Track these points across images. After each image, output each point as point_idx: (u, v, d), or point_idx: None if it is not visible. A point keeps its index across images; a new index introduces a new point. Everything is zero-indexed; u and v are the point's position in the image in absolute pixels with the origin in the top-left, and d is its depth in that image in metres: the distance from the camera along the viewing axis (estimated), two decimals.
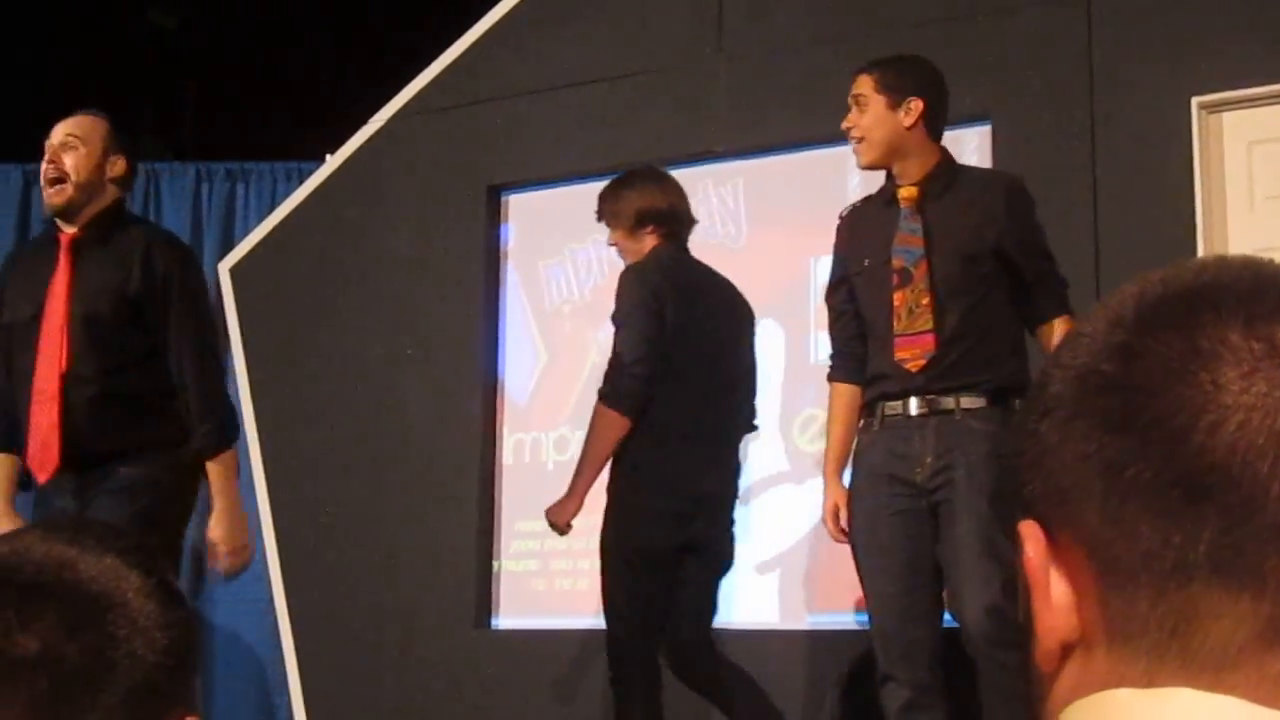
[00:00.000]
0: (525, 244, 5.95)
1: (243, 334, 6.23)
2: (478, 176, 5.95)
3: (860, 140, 3.98)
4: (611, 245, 4.60)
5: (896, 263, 3.88)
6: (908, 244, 3.89)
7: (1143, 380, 0.76)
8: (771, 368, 5.39)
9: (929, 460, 3.80)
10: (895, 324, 3.85)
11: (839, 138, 5.28)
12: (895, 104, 3.94)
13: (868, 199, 4.14)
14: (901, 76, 3.97)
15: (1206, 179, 4.68)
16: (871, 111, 3.95)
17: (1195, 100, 4.70)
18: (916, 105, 3.93)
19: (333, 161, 6.25)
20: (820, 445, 5.23)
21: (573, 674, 5.35)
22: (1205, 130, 4.72)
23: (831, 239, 5.36)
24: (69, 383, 4.08)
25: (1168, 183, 4.70)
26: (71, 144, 4.25)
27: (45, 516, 4.03)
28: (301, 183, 6.46)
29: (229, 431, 4.20)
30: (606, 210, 4.55)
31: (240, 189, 7.21)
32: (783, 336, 5.39)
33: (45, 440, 4.07)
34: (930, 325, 3.84)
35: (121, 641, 1.05)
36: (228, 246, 6.83)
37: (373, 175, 6.14)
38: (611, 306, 4.40)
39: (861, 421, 4.01)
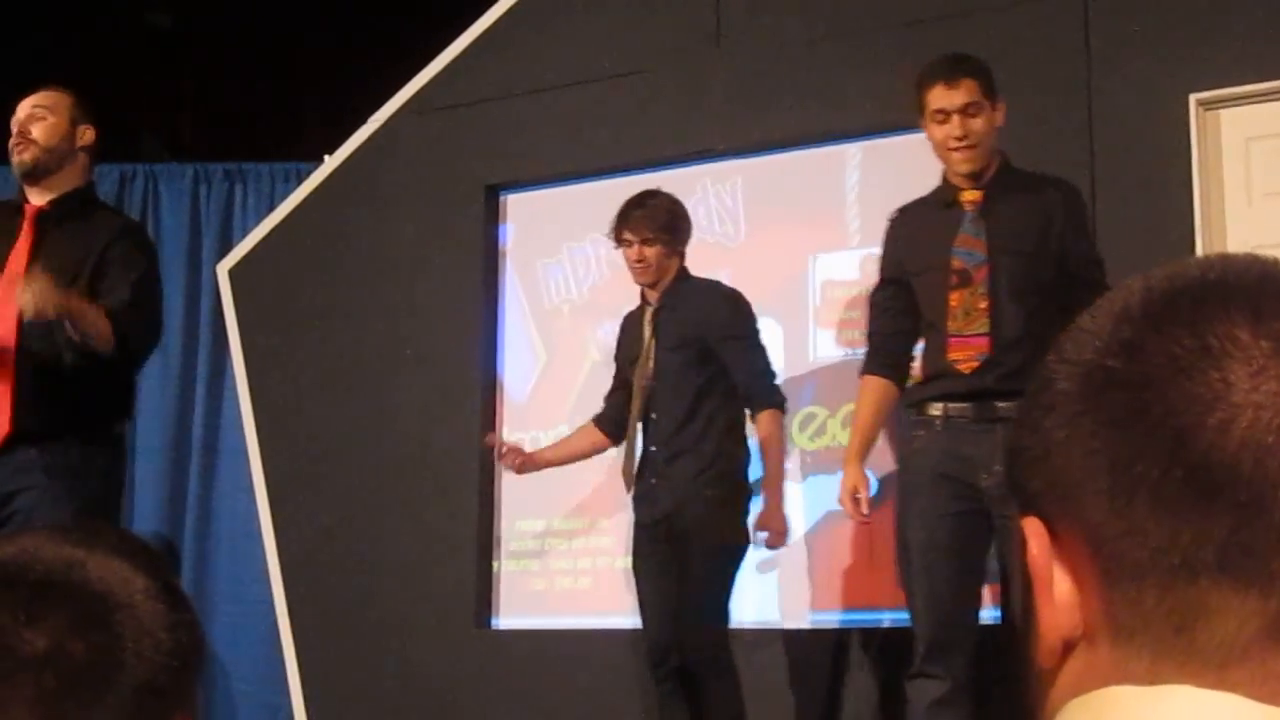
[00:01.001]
0: (524, 243, 5.95)
1: (242, 335, 6.23)
2: (476, 176, 5.95)
3: (974, 147, 3.94)
4: (639, 260, 4.62)
5: (956, 264, 3.89)
6: (969, 246, 3.90)
7: (1151, 377, 0.76)
8: None
9: (996, 468, 3.78)
10: (950, 324, 3.87)
11: (837, 135, 5.31)
12: (994, 107, 3.97)
13: (920, 201, 4.13)
14: (991, 78, 3.98)
15: (1204, 176, 4.68)
16: (984, 117, 3.94)
17: (1193, 97, 4.69)
18: (1002, 106, 3.99)
19: (331, 162, 6.24)
20: (819, 443, 5.25)
21: (573, 674, 5.35)
22: (1203, 127, 4.71)
23: (830, 236, 5.40)
24: (21, 354, 4.04)
25: (1166, 179, 4.69)
26: (39, 115, 4.28)
27: None
28: (300, 183, 6.46)
29: (125, 323, 4.07)
30: (669, 223, 4.65)
31: (239, 190, 7.20)
32: (781, 334, 5.38)
33: None
34: (986, 329, 3.85)
35: (128, 641, 1.06)
36: (226, 247, 6.83)
37: (371, 175, 6.13)
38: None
39: (915, 417, 4.00)
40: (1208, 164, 4.70)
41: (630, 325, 4.85)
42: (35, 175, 4.24)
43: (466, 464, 5.75)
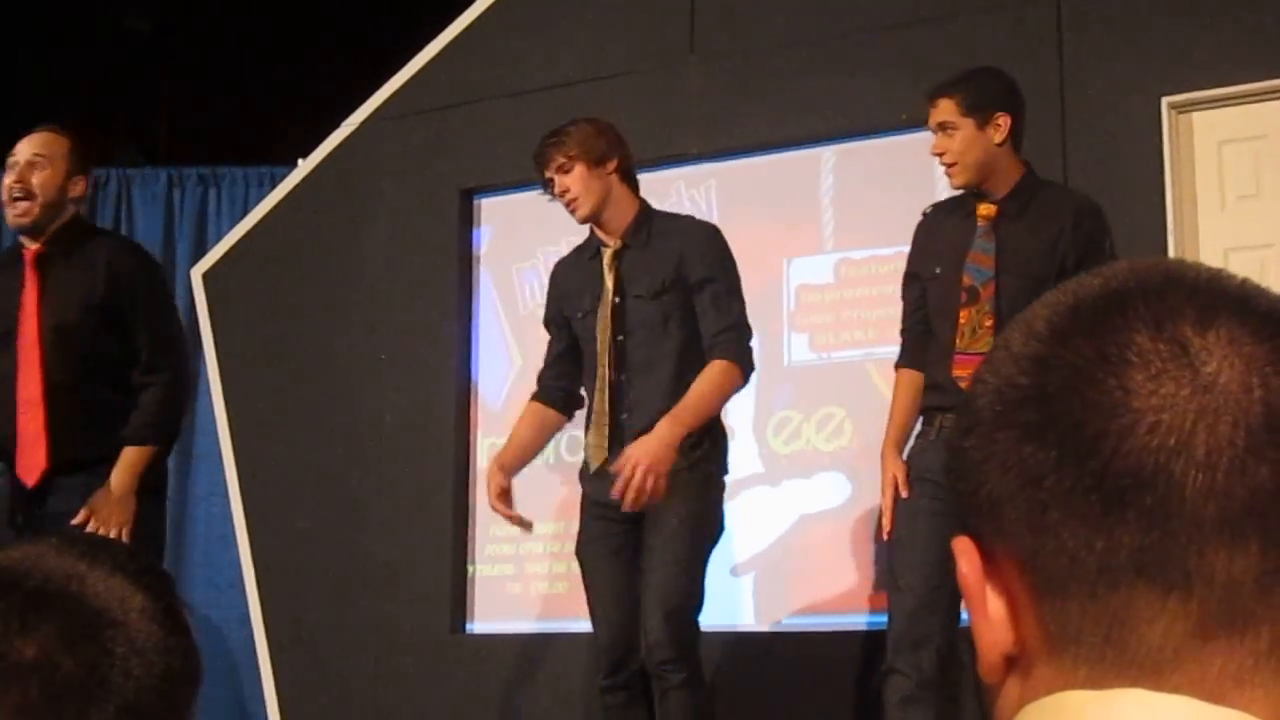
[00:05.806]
0: (499, 247, 5.94)
1: (215, 339, 6.21)
2: (451, 180, 5.94)
3: (953, 165, 3.97)
4: (564, 193, 4.14)
5: (966, 280, 3.94)
6: (979, 262, 3.95)
7: (1055, 390, 0.77)
8: None
9: None
10: (958, 340, 3.92)
11: (812, 139, 5.31)
12: (982, 123, 3.96)
13: (949, 202, 4.16)
14: (986, 93, 3.99)
15: (1177, 179, 4.70)
16: (962, 135, 3.96)
17: (1165, 100, 4.71)
18: (1004, 121, 3.98)
19: (305, 166, 6.23)
20: (793, 447, 5.25)
21: (549, 678, 5.34)
22: (1175, 130, 4.73)
23: (804, 240, 5.41)
24: (50, 390, 4.30)
25: (1138, 183, 4.71)
26: (38, 162, 4.41)
27: (37, 519, 4.28)
28: (274, 187, 6.44)
29: (164, 434, 4.38)
30: (583, 140, 4.16)
31: (213, 194, 7.20)
32: (755, 339, 5.37)
33: (33, 445, 4.29)
34: (989, 347, 3.88)
35: (118, 660, 1.05)
36: (200, 251, 6.81)
37: (346, 179, 6.12)
38: None
39: (919, 427, 4.07)
40: (1180, 167, 4.72)
41: (571, 274, 4.31)
42: (32, 232, 4.41)
43: (441, 468, 5.74)
